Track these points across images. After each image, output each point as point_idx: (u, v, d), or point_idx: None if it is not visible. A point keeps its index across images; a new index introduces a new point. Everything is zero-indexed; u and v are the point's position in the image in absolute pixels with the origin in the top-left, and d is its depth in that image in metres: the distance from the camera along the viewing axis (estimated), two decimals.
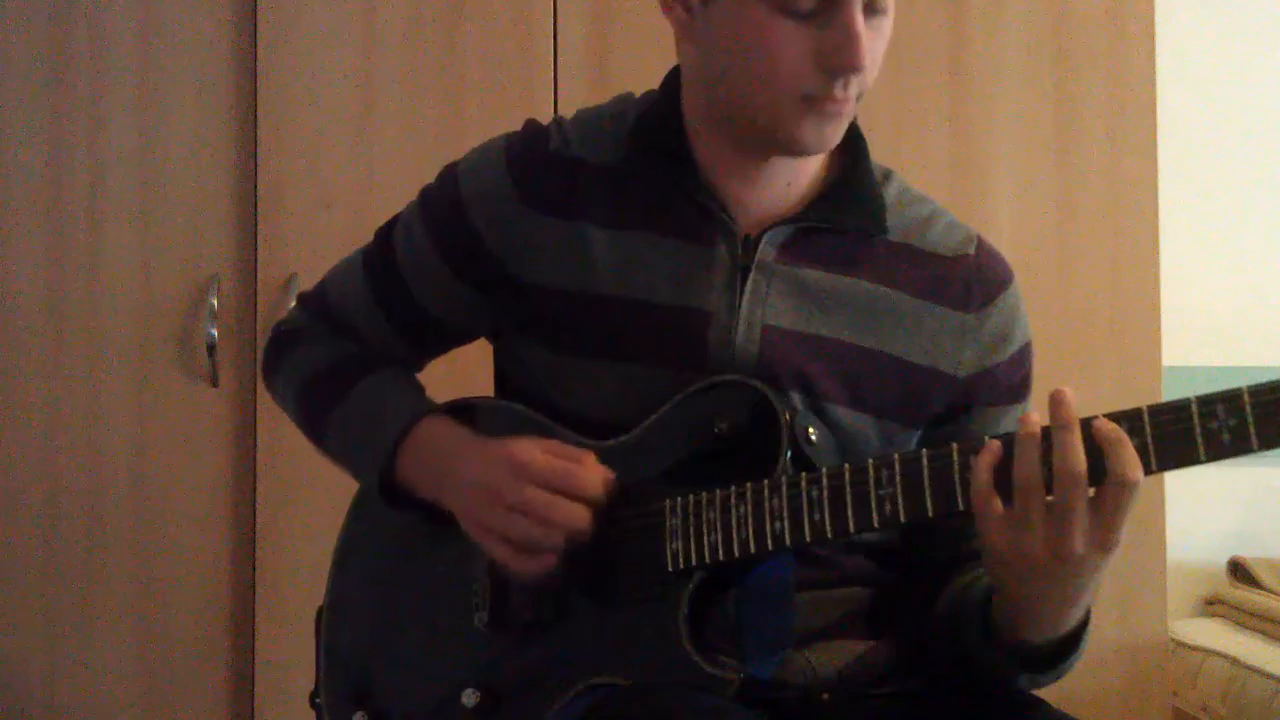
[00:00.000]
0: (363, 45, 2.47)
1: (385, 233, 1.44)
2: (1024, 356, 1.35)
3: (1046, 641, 1.16)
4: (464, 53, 2.48)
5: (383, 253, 1.43)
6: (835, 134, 1.27)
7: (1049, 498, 1.06)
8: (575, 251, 1.31)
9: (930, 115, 2.53)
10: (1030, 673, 1.21)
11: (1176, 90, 2.85)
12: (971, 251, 1.35)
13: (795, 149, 1.27)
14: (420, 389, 1.44)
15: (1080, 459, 1.04)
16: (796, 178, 1.32)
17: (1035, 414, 1.08)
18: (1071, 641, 1.17)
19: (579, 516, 1.22)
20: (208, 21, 2.47)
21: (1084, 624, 1.17)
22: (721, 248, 1.30)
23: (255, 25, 2.45)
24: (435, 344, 1.47)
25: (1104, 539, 1.06)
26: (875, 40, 1.22)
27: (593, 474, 1.23)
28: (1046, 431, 1.06)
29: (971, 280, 1.33)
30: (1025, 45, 2.54)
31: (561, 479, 1.22)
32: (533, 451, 1.24)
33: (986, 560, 1.13)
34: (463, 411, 1.38)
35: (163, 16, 2.46)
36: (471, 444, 1.30)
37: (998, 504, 1.07)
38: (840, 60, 1.20)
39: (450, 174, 1.39)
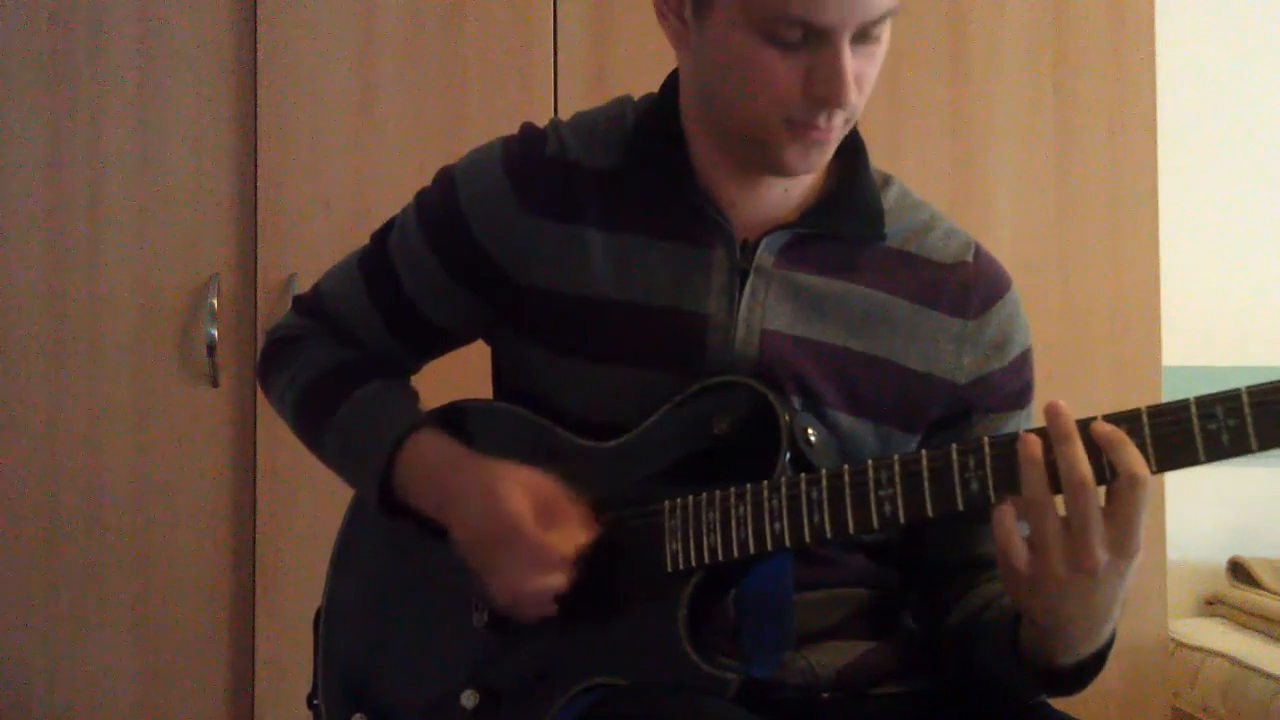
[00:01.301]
0: (363, 45, 2.47)
1: (381, 236, 1.43)
2: (1024, 362, 1.35)
3: (1078, 661, 1.15)
4: (464, 53, 2.48)
5: (379, 256, 1.42)
6: (821, 158, 1.26)
7: (1062, 514, 1.06)
8: (573, 255, 1.31)
9: (930, 115, 2.53)
10: (1059, 693, 1.20)
11: (1176, 90, 2.85)
12: (970, 258, 1.34)
13: (780, 171, 1.27)
14: (416, 398, 1.43)
15: (1086, 467, 1.04)
16: (795, 183, 1.32)
17: (1033, 434, 1.07)
18: (1098, 661, 1.16)
19: (556, 586, 1.21)
20: (208, 21, 2.47)
21: (1110, 642, 1.16)
22: (719, 251, 1.29)
23: (255, 25, 2.45)
24: (433, 347, 1.46)
25: (1124, 543, 1.05)
26: (866, 65, 1.21)
27: (567, 541, 1.22)
28: (1048, 447, 1.06)
29: (970, 287, 1.33)
30: (1025, 45, 2.55)
31: (540, 559, 1.21)
32: (520, 511, 1.22)
33: (1012, 590, 1.12)
34: (460, 415, 1.38)
35: (163, 16, 2.47)
36: (464, 463, 1.29)
37: (1022, 549, 1.07)
38: (825, 94, 1.19)
39: (447, 178, 1.39)
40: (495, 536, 1.23)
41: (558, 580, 1.21)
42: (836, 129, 1.23)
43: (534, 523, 1.22)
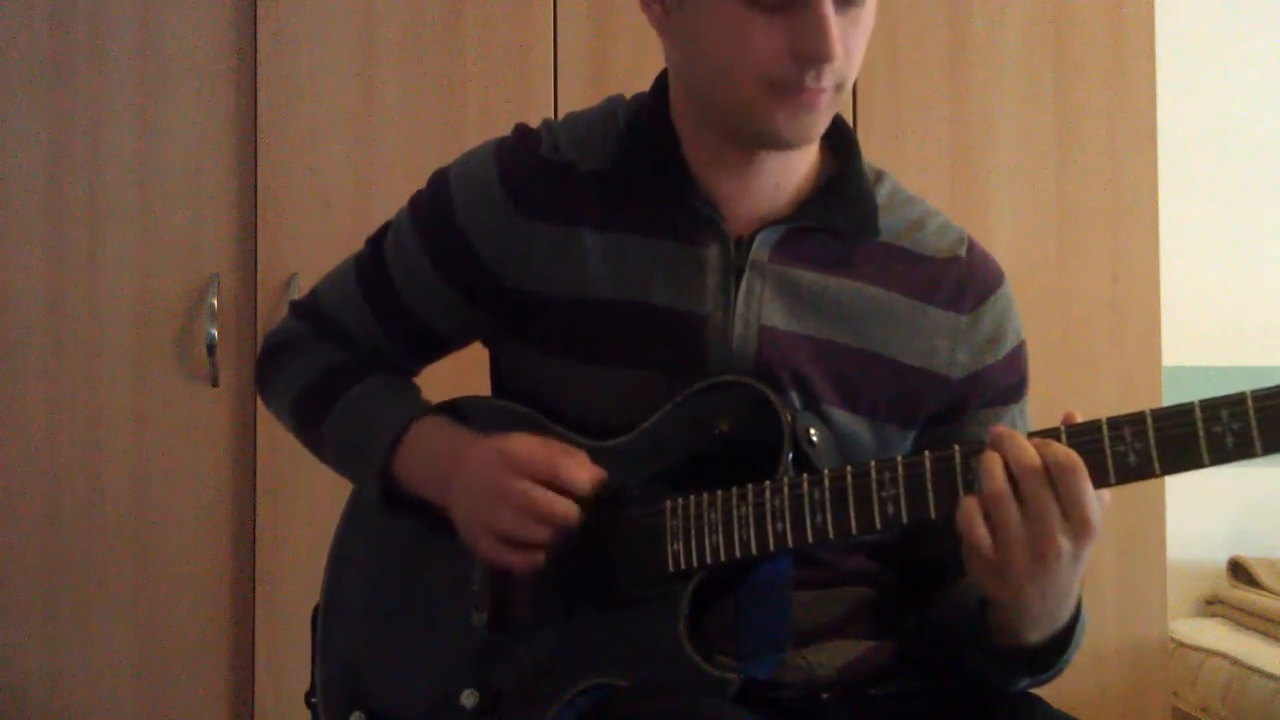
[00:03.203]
0: (362, 45, 2.47)
1: (377, 240, 1.43)
2: (1017, 357, 1.36)
3: (1044, 638, 1.16)
4: (464, 53, 2.48)
5: (375, 260, 1.42)
6: (814, 126, 1.26)
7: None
8: (569, 257, 1.31)
9: (930, 115, 2.53)
10: (1029, 675, 1.21)
11: (1176, 90, 2.85)
12: (963, 253, 1.35)
13: (774, 142, 1.26)
14: (415, 390, 1.44)
15: (1031, 453, 1.06)
16: (787, 178, 1.32)
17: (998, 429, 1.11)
18: (1067, 635, 1.17)
19: (564, 510, 1.22)
20: (208, 21, 2.47)
21: (1076, 616, 1.17)
22: (714, 249, 1.29)
23: (255, 25, 2.45)
24: (430, 350, 1.46)
25: (1078, 529, 1.06)
26: (853, 31, 1.21)
27: (582, 469, 1.24)
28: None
29: (963, 282, 1.33)
30: (1025, 45, 2.55)
31: (549, 472, 1.23)
32: (526, 445, 1.25)
33: (977, 577, 1.13)
34: (458, 411, 1.38)
35: (163, 16, 2.46)
36: (468, 441, 1.31)
37: (987, 539, 1.08)
38: (810, 50, 1.19)
39: (441, 181, 1.38)
40: (505, 467, 1.23)
41: (566, 508, 1.22)
42: (826, 92, 1.22)
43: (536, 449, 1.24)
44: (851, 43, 1.21)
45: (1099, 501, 1.07)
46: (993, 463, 1.07)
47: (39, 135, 2.45)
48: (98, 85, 2.46)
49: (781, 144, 1.27)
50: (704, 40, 1.23)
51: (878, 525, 1.13)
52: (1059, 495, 1.06)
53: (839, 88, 1.24)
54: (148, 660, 2.43)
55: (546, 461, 1.23)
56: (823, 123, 1.26)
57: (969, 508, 1.08)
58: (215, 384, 2.44)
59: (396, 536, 1.39)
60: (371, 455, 1.35)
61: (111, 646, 2.43)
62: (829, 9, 1.18)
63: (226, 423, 2.45)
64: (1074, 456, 1.06)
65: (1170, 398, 1.06)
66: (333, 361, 1.44)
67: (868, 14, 1.22)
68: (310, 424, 1.43)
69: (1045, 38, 2.55)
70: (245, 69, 2.46)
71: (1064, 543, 1.06)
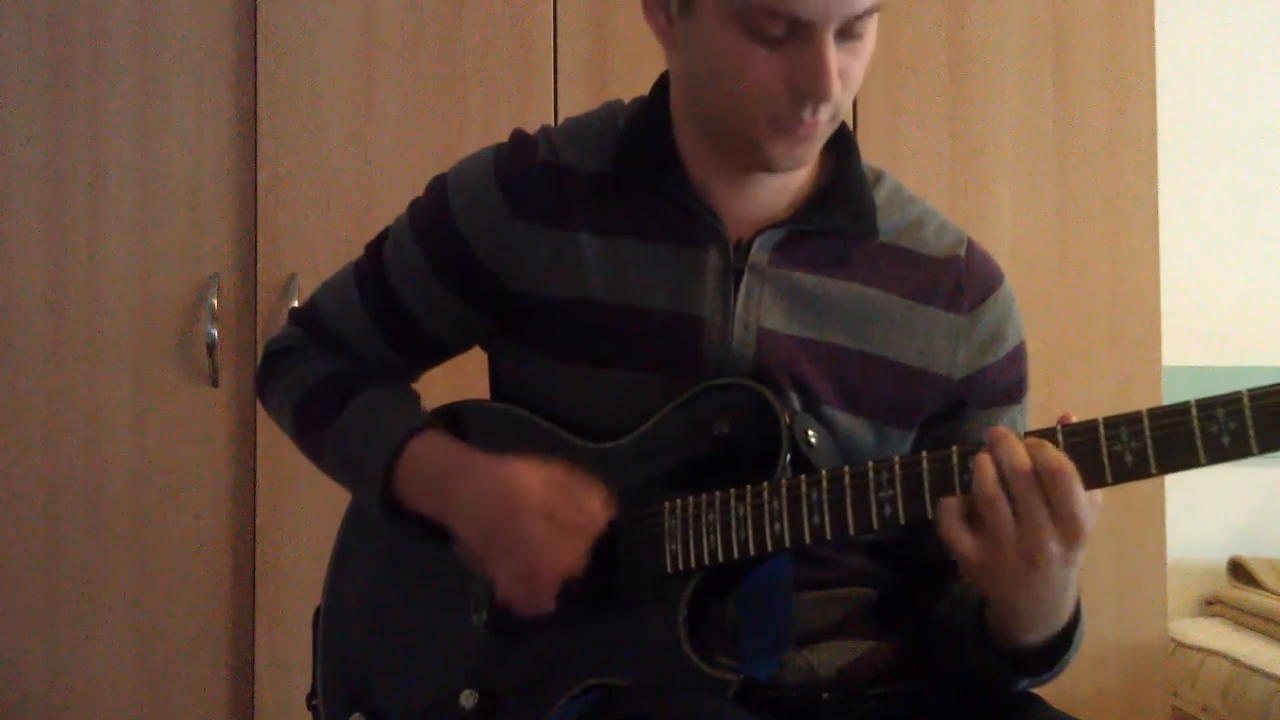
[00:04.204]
0: (363, 45, 2.47)
1: (376, 246, 1.43)
2: (1017, 357, 1.36)
3: (1043, 639, 1.16)
4: (464, 53, 2.48)
5: (374, 267, 1.42)
6: (807, 154, 1.27)
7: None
8: (567, 260, 1.31)
9: (930, 115, 2.53)
10: (1030, 675, 1.21)
11: (1176, 90, 2.85)
12: (962, 253, 1.35)
13: (767, 168, 1.27)
14: (416, 399, 1.43)
15: (1022, 455, 1.06)
16: (787, 181, 1.32)
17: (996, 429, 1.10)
18: (1066, 636, 1.18)
19: (570, 564, 1.21)
20: (208, 21, 2.47)
21: (1076, 617, 1.18)
22: (713, 252, 1.29)
23: (255, 25, 2.45)
24: (429, 356, 1.46)
25: (1068, 533, 1.06)
26: (851, 62, 1.21)
27: (588, 518, 1.22)
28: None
29: (963, 282, 1.33)
30: (1025, 45, 2.55)
31: (557, 529, 1.21)
32: (533, 486, 1.23)
33: (970, 577, 1.14)
34: (458, 417, 1.38)
35: (163, 16, 2.47)
36: (469, 462, 1.29)
37: (968, 539, 1.08)
38: (809, 88, 1.19)
39: (439, 186, 1.39)
40: (508, 514, 1.22)
41: (572, 558, 1.21)
42: (822, 124, 1.23)
43: (547, 499, 1.22)
44: (850, 73, 1.22)
45: (1091, 503, 1.07)
46: (985, 464, 1.08)
47: (39, 135, 2.45)
48: (98, 85, 2.46)
49: (775, 170, 1.28)
50: (706, 65, 1.24)
51: (875, 526, 1.14)
52: (1049, 499, 1.06)
53: (834, 118, 1.24)
54: (148, 660, 2.43)
55: (544, 516, 1.22)
56: (816, 150, 1.28)
57: (946, 506, 1.09)
58: (215, 384, 2.44)
59: (397, 538, 1.39)
60: (368, 473, 1.34)
61: (111, 646, 2.43)
62: (829, 47, 1.18)
63: (226, 423, 2.45)
64: (1065, 461, 1.06)
65: (1170, 398, 1.06)
66: (334, 370, 1.43)
67: (868, 44, 1.23)
68: (309, 434, 1.43)
69: (1045, 38, 2.55)
70: (245, 69, 2.46)
71: (1053, 546, 1.07)
